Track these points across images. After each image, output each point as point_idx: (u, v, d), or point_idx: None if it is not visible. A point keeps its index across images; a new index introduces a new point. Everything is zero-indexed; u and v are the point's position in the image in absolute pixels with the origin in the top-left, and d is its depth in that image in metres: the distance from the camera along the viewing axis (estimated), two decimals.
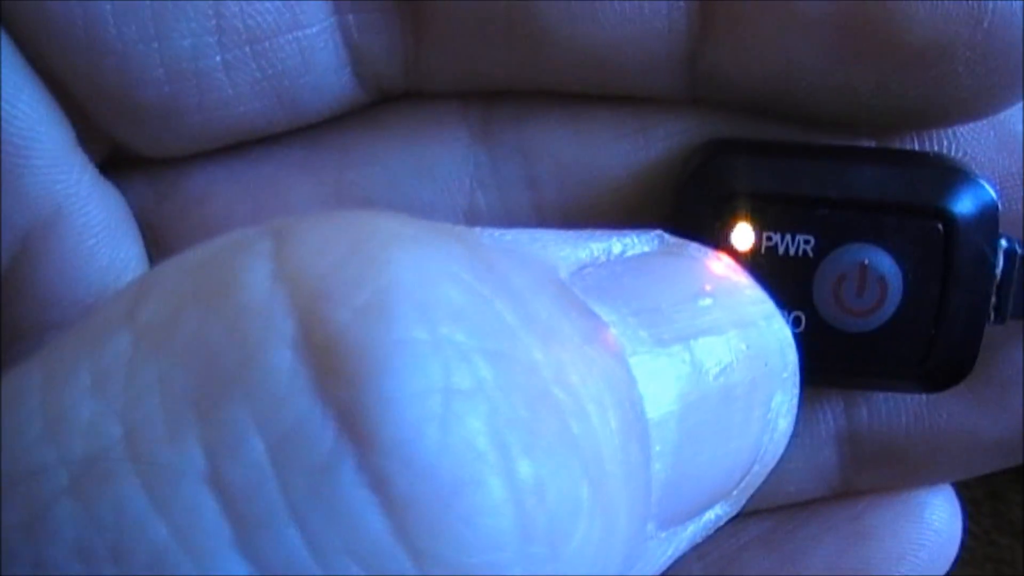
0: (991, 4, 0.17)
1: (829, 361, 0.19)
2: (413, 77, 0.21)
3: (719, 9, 0.19)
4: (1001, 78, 0.18)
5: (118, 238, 0.21)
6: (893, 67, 0.18)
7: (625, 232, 0.17)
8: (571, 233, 0.17)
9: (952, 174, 0.18)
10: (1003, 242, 0.19)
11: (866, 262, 0.18)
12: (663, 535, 0.16)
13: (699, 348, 0.16)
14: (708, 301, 0.16)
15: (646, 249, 0.17)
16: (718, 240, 0.18)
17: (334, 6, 0.20)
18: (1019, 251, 0.19)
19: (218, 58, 0.19)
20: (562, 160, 0.21)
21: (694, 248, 0.17)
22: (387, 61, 0.20)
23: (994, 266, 0.19)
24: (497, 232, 0.16)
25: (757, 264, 0.18)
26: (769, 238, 0.18)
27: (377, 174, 0.22)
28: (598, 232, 0.17)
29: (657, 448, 0.15)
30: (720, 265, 0.17)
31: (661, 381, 0.15)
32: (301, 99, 0.20)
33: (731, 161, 0.18)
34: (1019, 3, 0.17)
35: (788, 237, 0.18)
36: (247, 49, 0.19)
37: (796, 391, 0.17)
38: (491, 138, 0.21)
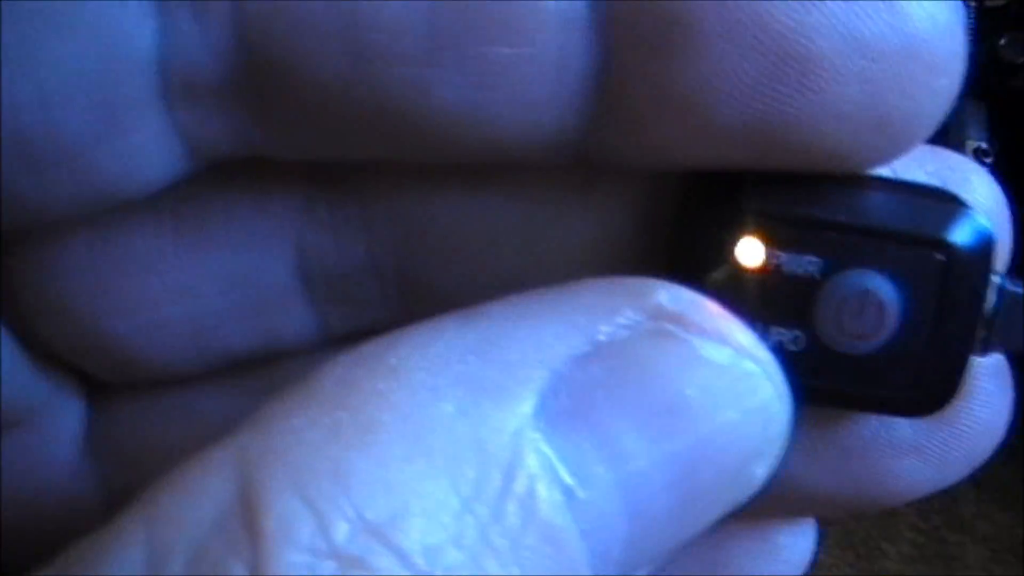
0: (896, 111, 0.17)
1: (824, 381, 0.19)
2: (258, 152, 0.19)
3: (619, 108, 0.18)
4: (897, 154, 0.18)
5: None
6: (795, 164, 0.18)
7: (614, 305, 0.16)
8: (556, 313, 0.16)
9: (954, 207, 0.19)
10: (995, 277, 0.19)
11: (868, 287, 0.18)
12: None
13: (667, 469, 0.15)
14: (692, 393, 0.16)
15: (636, 321, 0.16)
16: (724, 256, 0.19)
17: (164, 104, 0.18)
18: (1008, 287, 0.19)
19: (28, 180, 0.17)
20: (400, 205, 0.21)
21: (686, 315, 0.16)
22: (227, 147, 0.19)
23: (985, 300, 0.19)
24: (465, 324, 0.16)
25: (762, 282, 0.18)
26: (777, 257, 0.18)
27: (215, 214, 0.21)
28: (582, 299, 0.16)
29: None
30: (714, 332, 0.16)
31: (612, 516, 0.15)
32: (124, 194, 0.19)
33: (742, 181, 0.19)
34: (925, 107, 0.17)
35: (796, 258, 0.18)
36: (59, 170, 0.17)
37: (781, 451, 0.17)
38: (329, 184, 0.21)
